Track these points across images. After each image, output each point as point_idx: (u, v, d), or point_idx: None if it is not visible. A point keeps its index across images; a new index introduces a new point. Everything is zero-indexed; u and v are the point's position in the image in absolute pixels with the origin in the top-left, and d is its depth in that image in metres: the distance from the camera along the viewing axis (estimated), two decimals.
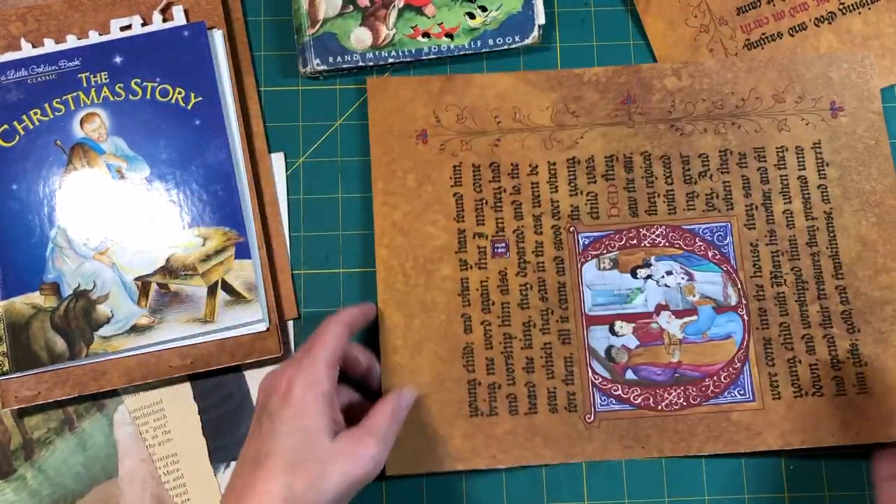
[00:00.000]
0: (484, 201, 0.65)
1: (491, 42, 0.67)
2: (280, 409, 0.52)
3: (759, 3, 0.68)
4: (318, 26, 0.67)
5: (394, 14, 0.67)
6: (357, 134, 0.68)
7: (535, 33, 0.67)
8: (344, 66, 0.67)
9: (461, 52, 0.67)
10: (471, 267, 0.65)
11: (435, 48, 0.67)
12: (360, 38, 0.67)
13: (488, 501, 0.63)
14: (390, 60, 0.67)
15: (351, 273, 0.66)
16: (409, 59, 0.67)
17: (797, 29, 0.68)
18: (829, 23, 0.68)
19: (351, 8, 0.67)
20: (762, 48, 0.68)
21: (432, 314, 0.64)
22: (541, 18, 0.67)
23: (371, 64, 0.67)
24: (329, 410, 0.53)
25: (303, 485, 0.50)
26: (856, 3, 0.67)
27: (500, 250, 0.65)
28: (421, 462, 0.62)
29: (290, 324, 0.66)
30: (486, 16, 0.67)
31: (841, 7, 0.68)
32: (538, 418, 0.63)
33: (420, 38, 0.67)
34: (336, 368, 0.55)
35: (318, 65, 0.67)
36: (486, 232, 0.65)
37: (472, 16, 0.67)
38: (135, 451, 0.64)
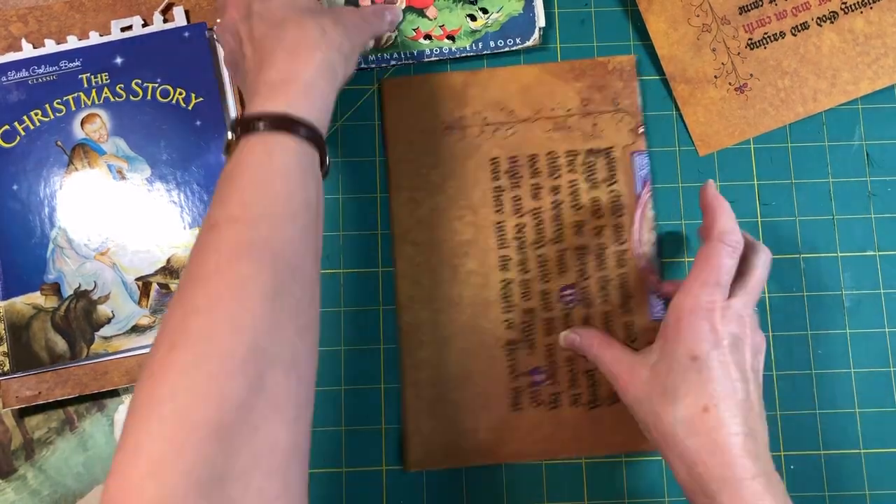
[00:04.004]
0: (517, 196, 0.66)
1: (492, 44, 0.67)
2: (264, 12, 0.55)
3: (761, 3, 0.68)
4: None
5: None
6: (357, 135, 0.68)
7: (536, 35, 0.67)
8: None
9: (463, 55, 0.67)
10: (510, 260, 0.65)
11: (437, 50, 0.67)
12: None
13: (489, 501, 0.63)
14: (392, 63, 0.67)
15: (351, 273, 0.66)
16: (410, 62, 0.68)
17: (799, 28, 0.68)
18: (832, 22, 0.67)
19: None
20: (765, 48, 0.68)
21: (458, 309, 0.64)
22: (541, 21, 0.67)
23: (373, 66, 0.67)
24: None
25: (343, 32, 0.55)
26: (858, 2, 0.67)
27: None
28: (447, 457, 0.63)
29: None
30: (488, 18, 0.67)
31: (843, 6, 0.67)
32: (562, 412, 0.63)
33: (422, 41, 0.68)
34: None
35: None
36: (526, 223, 0.66)
37: (473, 18, 0.68)
38: None
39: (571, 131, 0.66)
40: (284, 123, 0.49)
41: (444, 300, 0.64)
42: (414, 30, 0.68)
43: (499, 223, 0.65)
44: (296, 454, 0.43)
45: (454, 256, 0.65)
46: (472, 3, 0.67)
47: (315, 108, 0.51)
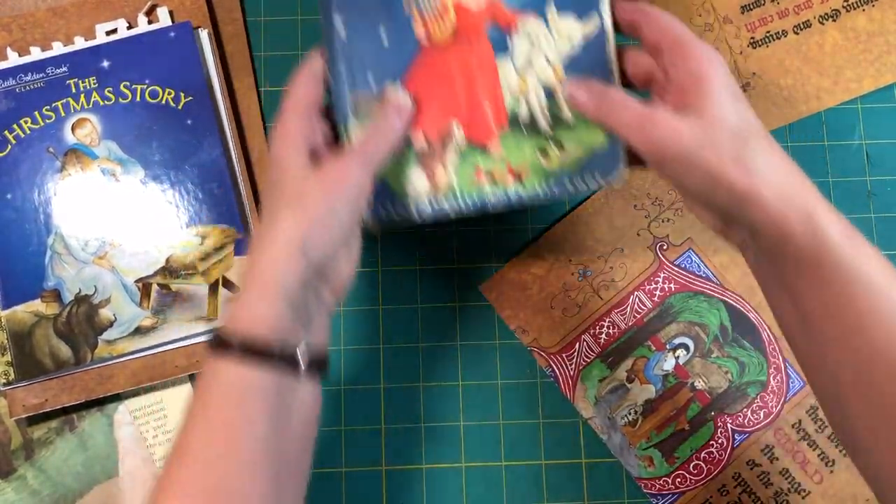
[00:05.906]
0: None
1: (570, 187, 0.52)
2: (269, 170, 0.51)
3: (763, 2, 0.66)
4: None
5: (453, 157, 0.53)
6: None
7: (622, 170, 0.52)
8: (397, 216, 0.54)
9: (533, 202, 0.53)
10: None
11: (503, 196, 0.53)
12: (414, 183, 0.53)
13: (489, 500, 0.64)
14: (446, 214, 0.53)
15: None
16: (469, 217, 0.54)
17: (801, 27, 0.66)
18: (834, 20, 0.66)
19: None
20: (767, 46, 0.66)
21: None
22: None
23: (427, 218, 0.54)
24: (304, 153, 0.50)
25: (303, 217, 0.48)
26: None
27: None
28: None
29: None
30: (564, 155, 0.52)
31: (845, 4, 0.66)
32: None
33: (483, 182, 0.53)
34: (309, 114, 0.51)
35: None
36: None
37: (545, 152, 0.52)
38: (135, 451, 0.65)
39: None
40: (242, 353, 0.46)
41: None
42: (474, 167, 0.53)
43: None
44: None
45: None
46: (547, 136, 0.52)
47: (279, 329, 0.47)
